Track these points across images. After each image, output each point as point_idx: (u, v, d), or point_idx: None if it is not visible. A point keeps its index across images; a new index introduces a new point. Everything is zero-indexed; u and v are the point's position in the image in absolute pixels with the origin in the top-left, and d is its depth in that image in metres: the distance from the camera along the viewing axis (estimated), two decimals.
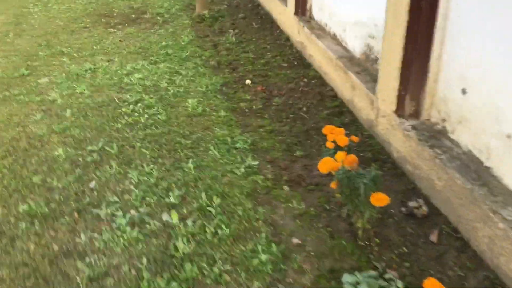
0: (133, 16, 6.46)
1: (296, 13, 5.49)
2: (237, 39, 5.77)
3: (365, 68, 3.99)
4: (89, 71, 4.62)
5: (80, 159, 3.22)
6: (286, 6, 5.82)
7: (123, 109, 3.88)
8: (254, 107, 4.08)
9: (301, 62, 5.04)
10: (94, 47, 5.27)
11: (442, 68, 2.93)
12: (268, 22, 6.42)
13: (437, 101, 3.02)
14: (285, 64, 5.02)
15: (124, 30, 5.87)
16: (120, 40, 5.53)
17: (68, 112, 3.82)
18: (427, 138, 2.93)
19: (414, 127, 3.06)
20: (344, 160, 3.02)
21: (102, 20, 6.27)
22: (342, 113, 3.97)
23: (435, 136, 2.94)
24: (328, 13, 4.89)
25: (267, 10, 6.83)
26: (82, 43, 5.41)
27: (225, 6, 7.21)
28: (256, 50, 5.42)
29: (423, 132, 2.99)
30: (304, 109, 4.08)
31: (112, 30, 5.88)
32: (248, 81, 4.61)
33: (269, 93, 4.37)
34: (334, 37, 4.71)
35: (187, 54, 5.20)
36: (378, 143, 3.48)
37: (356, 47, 4.22)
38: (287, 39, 5.75)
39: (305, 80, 4.64)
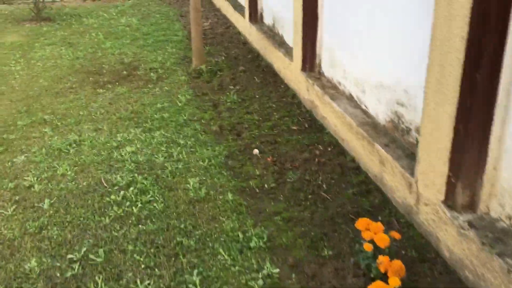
0: (125, 72, 5.95)
1: (303, 69, 5.00)
2: (239, 97, 5.25)
3: (394, 138, 3.45)
4: (73, 145, 4.02)
5: (58, 273, 2.58)
6: (292, 61, 5.34)
7: (112, 197, 3.27)
8: (265, 185, 3.50)
9: (313, 124, 4.51)
10: (81, 113, 4.71)
11: (505, 154, 2.38)
12: (270, 75, 5.94)
13: (499, 192, 2.46)
14: (295, 127, 4.48)
15: (114, 90, 5.34)
16: (109, 103, 4.98)
17: (46, 203, 3.20)
18: (491, 241, 2.34)
19: (471, 224, 2.48)
20: (389, 270, 2.43)
21: (90, 78, 5.74)
22: (369, 191, 3.39)
23: (501, 239, 2.36)
24: (341, 71, 4.39)
25: (268, 61, 6.36)
26: (67, 107, 4.85)
27: (223, 57, 6.75)
28: (261, 110, 4.90)
29: (485, 232, 2.41)
30: (325, 186, 3.50)
31: (101, 90, 5.34)
32: (255, 151, 4.04)
33: (281, 166, 3.80)
34: (350, 98, 4.20)
35: (185, 117, 4.65)
36: (420, 235, 2.89)
37: (379, 112, 3.70)
38: (294, 96, 5.24)
39: (320, 147, 4.09)
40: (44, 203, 3.21)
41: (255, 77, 5.92)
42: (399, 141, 3.40)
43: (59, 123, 4.46)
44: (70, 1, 10.74)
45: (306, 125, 4.52)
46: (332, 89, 4.49)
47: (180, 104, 5.00)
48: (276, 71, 6.01)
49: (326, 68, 4.76)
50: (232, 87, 5.64)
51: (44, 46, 7.12)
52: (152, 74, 5.92)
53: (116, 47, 7.06)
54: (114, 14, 9.45)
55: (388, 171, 3.26)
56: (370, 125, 3.70)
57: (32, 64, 6.28)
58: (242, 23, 7.96)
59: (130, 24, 8.56)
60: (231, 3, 8.91)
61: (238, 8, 8.44)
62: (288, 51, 5.74)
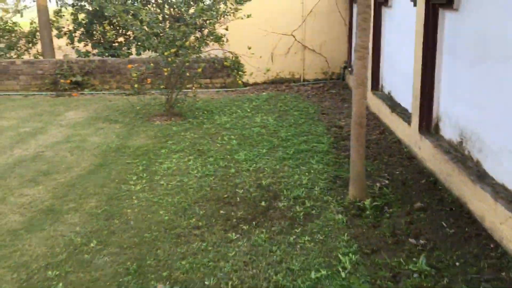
0: (263, 204, 4.58)
1: None
2: (429, 263, 3.51)
3: None
4: None
5: None
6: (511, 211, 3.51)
7: None
8: None
9: None
10: (206, 282, 3.33)
11: None
12: (465, 221, 4.13)
13: None
14: None
15: (250, 237, 3.94)
16: (245, 263, 3.56)
17: None
18: None
19: None
20: None
21: (221, 211, 4.45)
22: None
23: None
24: None
25: (456, 195, 4.56)
26: (189, 268, 3.51)
27: (387, 181, 5.12)
28: None
29: None
30: None
31: (233, 235, 3.97)
32: None
33: None
34: None
35: None
36: None
37: None
38: None
39: None
40: None
41: (443, 223, 4.15)
42: None
43: None
44: (203, 92, 10.15)
45: None
46: None
47: (343, 274, 3.39)
48: (474, 215, 4.18)
49: None
50: (413, 240, 3.92)
51: (170, 154, 6.16)
52: (297, 207, 4.46)
53: (252, 159, 5.84)
54: (248, 110, 8.47)
55: None
56: None
57: (154, 182, 5.23)
58: (405, 131, 6.32)
59: (266, 125, 7.42)
60: (386, 102, 7.37)
61: (398, 110, 6.85)
62: (498, 191, 3.92)
